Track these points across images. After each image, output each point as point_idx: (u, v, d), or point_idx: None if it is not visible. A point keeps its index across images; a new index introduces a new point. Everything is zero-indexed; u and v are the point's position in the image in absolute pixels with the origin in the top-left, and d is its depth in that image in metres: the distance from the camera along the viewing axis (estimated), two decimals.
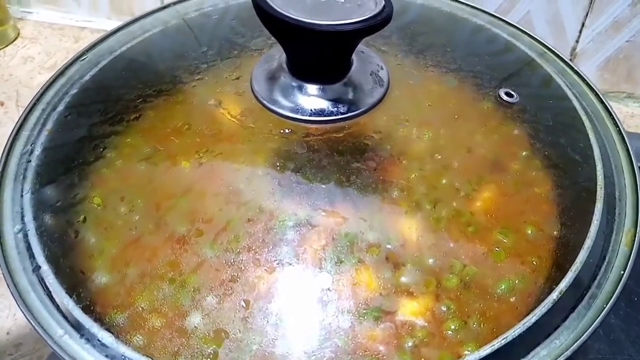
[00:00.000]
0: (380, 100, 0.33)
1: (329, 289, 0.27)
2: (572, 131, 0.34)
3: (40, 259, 0.28)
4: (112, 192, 0.31)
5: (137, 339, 0.26)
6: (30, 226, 0.30)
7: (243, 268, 0.27)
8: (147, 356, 0.25)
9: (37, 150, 0.33)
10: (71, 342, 0.26)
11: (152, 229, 0.29)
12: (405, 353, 0.25)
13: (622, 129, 0.34)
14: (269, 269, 0.27)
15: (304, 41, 0.30)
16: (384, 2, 0.29)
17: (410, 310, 0.26)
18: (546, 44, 0.40)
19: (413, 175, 0.30)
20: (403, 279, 0.27)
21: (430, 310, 0.27)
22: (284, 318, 0.26)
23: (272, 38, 0.31)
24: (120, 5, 0.73)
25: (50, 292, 0.27)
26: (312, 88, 0.32)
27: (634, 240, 0.29)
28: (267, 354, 0.25)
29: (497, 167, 0.32)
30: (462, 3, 0.43)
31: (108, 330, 0.26)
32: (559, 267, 0.28)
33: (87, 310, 0.27)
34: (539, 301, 0.26)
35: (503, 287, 0.27)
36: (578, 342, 0.26)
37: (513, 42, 0.40)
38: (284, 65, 0.33)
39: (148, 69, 0.38)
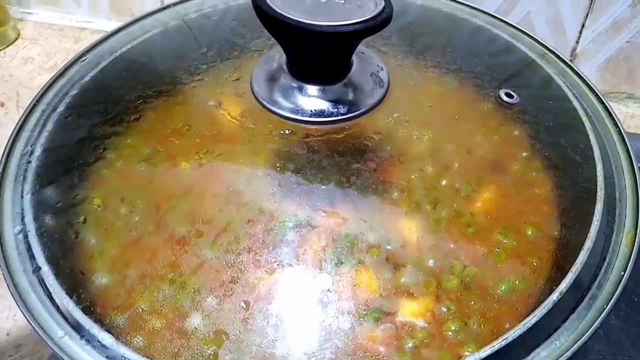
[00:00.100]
0: (380, 101, 0.33)
1: (329, 290, 0.27)
2: (572, 132, 0.34)
3: (41, 259, 0.28)
4: (112, 193, 0.31)
5: (138, 340, 0.26)
6: (31, 227, 0.30)
7: (243, 269, 0.27)
8: (147, 357, 0.25)
9: (38, 151, 0.33)
10: (71, 343, 0.26)
11: (152, 229, 0.29)
12: (405, 354, 0.25)
13: (622, 130, 0.34)
14: (269, 270, 0.27)
15: (304, 42, 0.30)
16: (384, 3, 0.29)
17: (411, 311, 0.26)
18: (546, 45, 0.40)
19: (413, 176, 0.30)
20: (403, 280, 0.27)
21: (431, 311, 0.27)
22: (284, 319, 0.26)
23: (272, 39, 0.31)
24: (120, 6, 0.73)
25: (50, 293, 0.27)
26: (312, 89, 0.32)
27: (634, 241, 0.29)
28: (267, 355, 0.25)
29: (497, 167, 0.32)
30: (462, 4, 0.43)
31: (108, 331, 0.26)
32: (559, 268, 0.28)
33: (88, 311, 0.27)
34: (539, 302, 0.26)
35: (503, 288, 0.27)
36: (578, 343, 0.26)
37: (513, 42, 0.40)
38: (284, 66, 0.33)
39: (148, 69, 0.38)
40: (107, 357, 0.26)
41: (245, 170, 0.31)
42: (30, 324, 0.26)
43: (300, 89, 0.32)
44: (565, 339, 0.26)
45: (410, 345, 0.26)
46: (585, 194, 0.31)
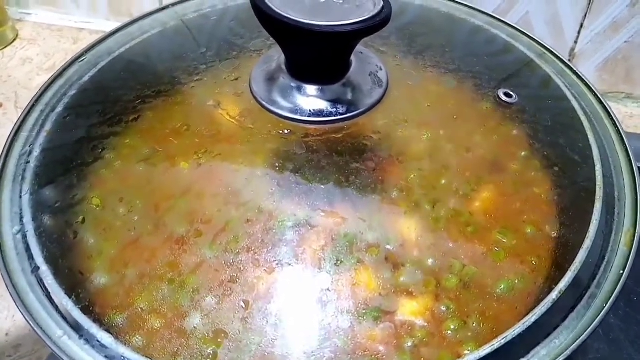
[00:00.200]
0: (379, 101, 0.33)
1: (328, 289, 0.27)
2: (571, 131, 0.34)
3: (39, 259, 0.28)
4: (111, 193, 0.31)
5: (137, 339, 0.26)
6: (29, 227, 0.30)
7: (242, 268, 0.27)
8: (147, 357, 0.25)
9: (36, 152, 0.33)
10: (70, 343, 0.26)
11: (151, 229, 0.29)
12: (404, 353, 0.25)
13: (621, 129, 0.34)
14: (268, 270, 0.27)
15: (303, 42, 0.30)
16: (382, 3, 0.29)
17: (410, 310, 0.26)
18: (545, 45, 0.40)
19: (412, 176, 0.30)
20: (402, 279, 0.27)
21: (430, 310, 0.27)
22: (283, 318, 0.26)
23: (271, 39, 0.31)
24: (119, 7, 0.73)
25: (49, 293, 0.27)
26: (311, 89, 0.32)
27: (633, 240, 0.29)
28: (266, 354, 0.25)
29: (496, 167, 0.32)
30: (461, 4, 0.43)
31: (107, 331, 0.26)
32: (559, 267, 0.28)
33: (86, 311, 0.27)
34: (538, 301, 0.26)
35: (502, 286, 0.27)
36: (577, 341, 0.26)
37: (512, 42, 0.40)
38: (283, 66, 0.33)
39: (147, 70, 0.38)
40: (106, 356, 0.25)
41: (244, 170, 0.31)
42: (29, 324, 0.26)
43: (299, 89, 0.32)
44: (564, 338, 0.26)
45: (409, 344, 0.26)
46: (584, 193, 0.31)
